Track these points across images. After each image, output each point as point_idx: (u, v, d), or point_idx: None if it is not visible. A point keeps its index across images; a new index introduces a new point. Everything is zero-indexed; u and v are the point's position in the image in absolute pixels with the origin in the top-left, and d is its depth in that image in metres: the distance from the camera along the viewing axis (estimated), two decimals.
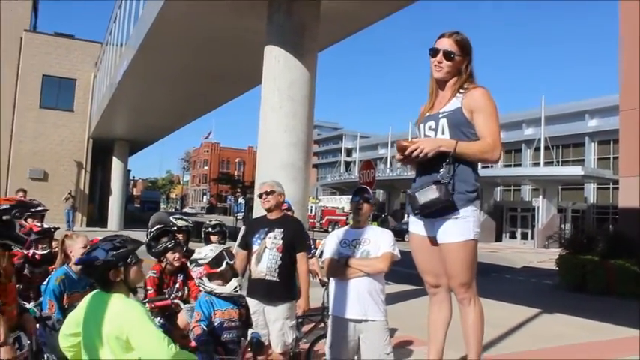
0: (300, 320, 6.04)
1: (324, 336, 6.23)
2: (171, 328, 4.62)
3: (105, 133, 31.53)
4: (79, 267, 3.39)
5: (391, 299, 5.01)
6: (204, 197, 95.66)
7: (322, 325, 6.53)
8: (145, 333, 2.90)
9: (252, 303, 5.11)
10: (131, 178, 59.55)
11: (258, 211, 6.41)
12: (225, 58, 15.43)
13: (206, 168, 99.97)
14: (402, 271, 12.13)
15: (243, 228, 5.97)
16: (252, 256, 5.28)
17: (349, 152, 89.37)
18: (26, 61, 32.29)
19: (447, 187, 3.16)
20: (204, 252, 3.99)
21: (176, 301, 5.15)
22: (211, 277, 3.92)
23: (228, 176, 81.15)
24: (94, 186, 36.13)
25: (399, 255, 4.83)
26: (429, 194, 3.10)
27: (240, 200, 54.79)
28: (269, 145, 9.23)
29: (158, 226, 5.62)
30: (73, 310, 4.20)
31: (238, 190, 69.36)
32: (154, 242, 5.49)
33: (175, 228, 5.97)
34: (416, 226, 3.34)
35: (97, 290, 3.11)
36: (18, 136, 31.95)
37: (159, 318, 4.98)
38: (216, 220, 6.93)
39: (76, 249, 4.67)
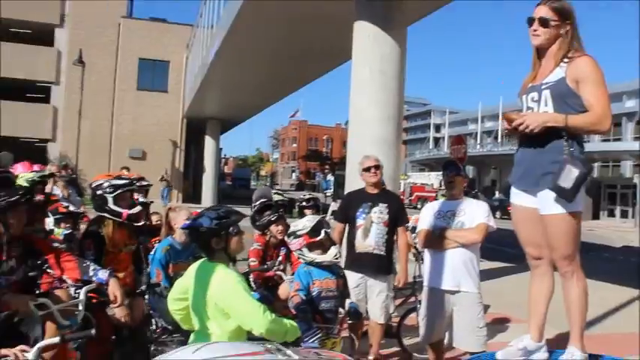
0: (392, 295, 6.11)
1: (414, 309, 6.27)
2: (272, 299, 4.78)
3: (198, 112, 32.52)
4: (185, 232, 3.56)
5: (482, 276, 4.97)
6: (293, 174, 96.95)
7: (413, 299, 6.56)
8: (239, 302, 3.03)
9: (355, 277, 5.21)
10: (222, 156, 61.25)
11: (354, 185, 6.44)
12: (314, 35, 15.48)
13: (295, 145, 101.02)
14: (494, 248, 11.92)
15: (333, 204, 6.04)
16: (358, 230, 5.37)
17: (438, 128, 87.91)
18: (124, 46, 33.71)
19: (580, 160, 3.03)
20: (302, 223, 4.07)
21: (279, 272, 5.30)
22: (311, 247, 3.99)
23: (317, 153, 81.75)
24: (188, 163, 37.42)
25: (495, 226, 4.78)
26: (571, 175, 3.00)
27: (329, 177, 55.10)
28: (360, 121, 9.23)
29: (262, 200, 5.75)
30: (177, 278, 4.45)
31: (327, 166, 69.75)
32: (257, 215, 5.63)
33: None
34: (518, 197, 3.27)
35: (203, 259, 3.27)
36: (118, 118, 33.57)
37: (261, 289, 5.15)
38: (310, 194, 7.07)
39: (179, 221, 4.88)
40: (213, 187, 35.05)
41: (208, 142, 35.73)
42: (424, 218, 4.97)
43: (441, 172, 5.21)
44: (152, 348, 4.96)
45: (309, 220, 4.09)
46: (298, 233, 4.00)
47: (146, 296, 4.87)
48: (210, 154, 35.76)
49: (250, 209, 5.83)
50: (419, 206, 38.59)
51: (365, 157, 5.64)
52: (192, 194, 36.28)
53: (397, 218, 5.47)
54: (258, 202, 5.71)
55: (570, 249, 3.10)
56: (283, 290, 5.00)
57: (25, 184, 5.07)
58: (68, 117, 31.45)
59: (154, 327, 5.05)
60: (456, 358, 5.64)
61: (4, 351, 2.88)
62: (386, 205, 5.40)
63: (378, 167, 5.45)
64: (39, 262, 3.90)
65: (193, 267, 3.31)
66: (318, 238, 3.98)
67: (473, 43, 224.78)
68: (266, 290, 5.15)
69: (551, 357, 3.29)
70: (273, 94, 27.74)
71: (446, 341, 5.40)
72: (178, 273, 4.70)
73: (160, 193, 28.27)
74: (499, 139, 60.57)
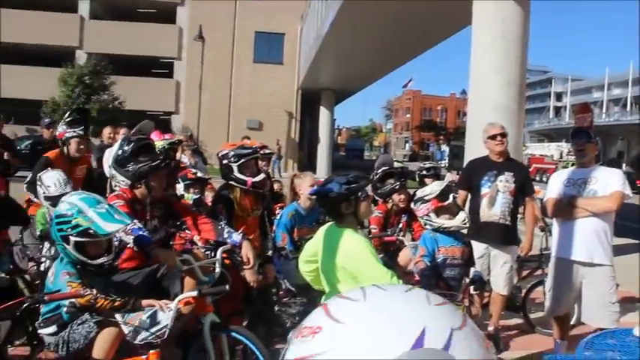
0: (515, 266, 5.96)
1: (541, 283, 6.07)
2: (392, 265, 4.81)
3: (312, 83, 32.86)
4: (312, 197, 3.62)
5: None
6: (407, 145, 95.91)
7: (539, 272, 6.35)
8: (368, 267, 3.06)
9: (480, 247, 5.12)
10: (336, 126, 61.83)
11: (475, 153, 6.29)
12: (430, 3, 15.13)
13: (408, 116, 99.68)
14: (621, 224, 11.21)
15: (448, 175, 5.96)
16: (483, 199, 5.26)
17: (559, 96, 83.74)
18: (240, 21, 34.55)
19: None
20: (430, 188, 4.04)
21: (401, 238, 5.32)
22: (438, 212, 3.94)
23: (431, 123, 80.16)
24: (303, 134, 38.03)
25: (630, 194, 4.51)
26: None
27: (444, 147, 54.00)
28: (481, 87, 8.96)
29: (384, 168, 5.77)
30: (301, 242, 4.60)
31: (441, 137, 68.30)
32: (379, 183, 5.66)
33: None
34: None
35: (331, 223, 3.34)
36: (236, 90, 34.64)
37: (382, 255, 5.20)
38: (430, 163, 7.01)
39: (304, 187, 5.02)
40: (328, 157, 35.42)
41: (323, 113, 36.04)
42: (553, 186, 4.78)
43: (561, 143, 4.97)
44: (277, 309, 5.18)
45: (437, 185, 4.05)
46: (426, 198, 3.95)
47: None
48: (325, 124, 36.09)
49: (372, 177, 5.86)
50: (537, 178, 37.03)
51: (490, 125, 5.48)
52: (307, 164, 36.95)
53: (523, 187, 5.31)
54: (380, 170, 5.72)
55: None
56: (404, 256, 5.02)
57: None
58: (190, 90, 32.95)
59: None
60: (583, 334, 5.42)
61: (151, 302, 3.13)
62: (512, 174, 5.23)
63: (504, 135, 5.27)
64: (178, 222, 4.17)
65: (322, 230, 3.38)
66: (447, 202, 3.92)
67: (599, 4, 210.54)
68: (386, 256, 5.20)
69: None
70: (387, 63, 27.48)
71: (575, 317, 5.21)
72: (303, 237, 4.87)
73: (271, 164, 28.86)
74: (628, 108, 56.75)
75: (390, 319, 0.81)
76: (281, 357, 0.84)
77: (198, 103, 29.54)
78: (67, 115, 6.11)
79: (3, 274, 4.20)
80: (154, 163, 3.83)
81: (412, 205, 4.37)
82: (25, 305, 3.29)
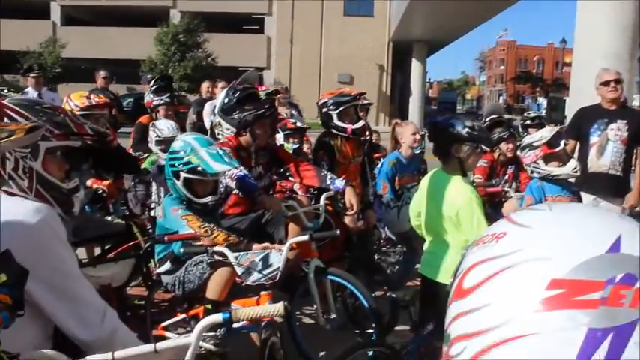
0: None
1: None
2: (496, 217, 4.70)
3: (404, 35, 32.17)
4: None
5: None
6: (500, 97, 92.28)
7: None
8: (471, 218, 2.99)
9: (588, 198, 4.89)
10: (427, 79, 60.46)
11: (580, 103, 5.97)
12: None
13: (502, 67, 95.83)
14: None
15: (547, 128, 5.68)
16: (591, 148, 5.01)
17: None
18: None
19: None
20: (539, 135, 3.89)
21: (507, 189, 5.18)
22: (547, 159, 3.79)
23: (527, 75, 76.61)
24: (394, 87, 37.56)
25: None
26: None
27: (540, 100, 51.70)
28: (588, 33, 8.41)
29: (492, 117, 5.60)
30: (403, 191, 4.56)
31: (538, 89, 65.30)
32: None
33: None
34: None
35: (437, 170, 3.29)
36: (326, 43, 34.51)
37: (486, 206, 5.09)
38: (535, 113, 6.75)
39: (406, 136, 4.96)
40: (420, 110, 34.75)
41: (415, 66, 35.25)
42: None
43: None
44: (377, 257, 5.21)
45: (547, 131, 3.90)
46: (535, 144, 3.80)
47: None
48: (417, 77, 35.32)
49: None
50: None
51: (604, 70, 5.15)
52: (398, 117, 36.38)
53: (637, 136, 4.97)
54: (489, 118, 5.54)
55: None
56: (509, 207, 4.88)
57: None
58: (281, 45, 33.21)
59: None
60: None
61: (264, 244, 3.22)
62: (625, 121, 4.91)
63: (618, 81, 4.94)
64: (282, 169, 4.24)
65: (427, 177, 3.34)
66: (557, 149, 3.77)
67: None
68: (491, 208, 5.07)
69: None
70: (481, 13, 26.40)
71: None
72: (404, 186, 4.85)
73: None
74: None
75: (582, 224, 0.78)
76: (455, 269, 0.82)
77: (289, 57, 29.78)
78: (152, 83, 6.46)
79: (119, 220, 4.45)
80: (259, 112, 3.90)
81: (519, 152, 4.23)
82: (147, 245, 3.48)
